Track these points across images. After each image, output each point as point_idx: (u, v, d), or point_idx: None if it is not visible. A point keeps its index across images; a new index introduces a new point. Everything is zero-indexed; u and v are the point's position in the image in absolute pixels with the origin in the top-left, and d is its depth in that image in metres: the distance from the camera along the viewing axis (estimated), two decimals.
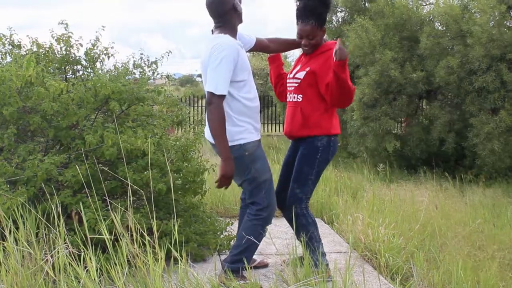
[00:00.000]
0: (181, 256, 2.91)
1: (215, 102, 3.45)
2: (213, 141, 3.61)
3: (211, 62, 3.47)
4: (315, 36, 3.87)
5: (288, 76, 4.12)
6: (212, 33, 3.69)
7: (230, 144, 3.54)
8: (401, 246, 4.60)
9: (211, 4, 3.62)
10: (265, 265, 4.32)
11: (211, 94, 3.45)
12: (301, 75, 3.93)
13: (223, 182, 3.55)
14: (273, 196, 3.79)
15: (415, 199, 6.80)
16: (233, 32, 3.65)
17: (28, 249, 2.94)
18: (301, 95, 3.94)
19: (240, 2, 3.68)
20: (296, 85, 3.97)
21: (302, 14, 3.84)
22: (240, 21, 3.70)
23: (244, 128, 3.61)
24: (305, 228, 3.99)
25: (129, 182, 3.55)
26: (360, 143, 13.17)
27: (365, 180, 8.84)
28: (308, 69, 3.90)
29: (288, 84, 4.09)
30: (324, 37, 4.04)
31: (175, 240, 2.80)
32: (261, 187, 3.71)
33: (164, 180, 4.20)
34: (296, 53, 24.91)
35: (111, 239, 2.89)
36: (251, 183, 3.73)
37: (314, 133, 3.92)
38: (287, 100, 4.11)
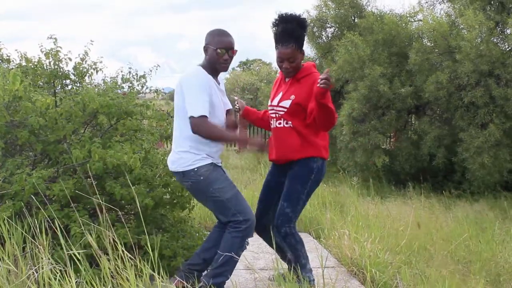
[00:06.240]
0: (167, 271, 2.90)
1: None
2: (175, 170, 3.75)
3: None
4: (296, 59, 3.88)
5: (270, 104, 4.11)
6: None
7: (185, 169, 3.66)
8: (387, 261, 4.62)
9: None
10: None
11: (192, 118, 3.57)
12: (287, 103, 3.93)
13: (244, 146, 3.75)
14: (247, 210, 3.73)
15: (402, 215, 6.83)
16: (206, 68, 3.73)
17: (10, 266, 2.93)
18: (290, 122, 3.93)
19: (223, 54, 3.69)
20: (283, 113, 3.96)
21: (282, 37, 3.86)
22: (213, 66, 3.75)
23: (194, 154, 3.66)
24: (293, 248, 4.00)
25: (99, 203, 3.55)
26: (350, 158, 13.22)
27: (353, 195, 8.86)
28: (292, 97, 3.90)
29: (271, 112, 4.07)
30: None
31: (160, 255, 2.79)
32: (227, 206, 3.68)
33: (151, 194, 4.21)
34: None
35: (95, 255, 2.89)
36: (215, 203, 3.74)
37: (311, 155, 3.93)
38: (272, 126, 4.08)
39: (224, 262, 3.66)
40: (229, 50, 3.69)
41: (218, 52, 3.65)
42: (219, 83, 3.82)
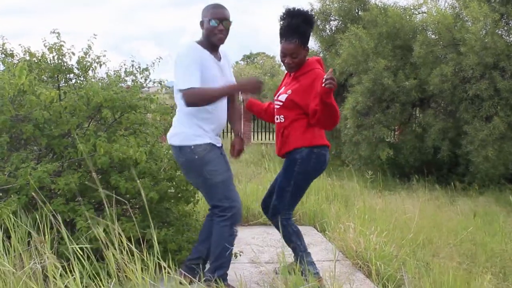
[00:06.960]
0: (173, 264, 2.90)
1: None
2: (173, 144, 3.71)
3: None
4: (299, 55, 3.87)
5: (274, 98, 4.13)
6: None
7: (182, 144, 3.64)
8: (392, 254, 4.61)
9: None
10: None
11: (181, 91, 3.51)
12: (283, 97, 3.95)
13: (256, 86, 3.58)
14: (234, 197, 3.72)
15: (407, 208, 6.81)
16: (203, 44, 3.70)
17: (8, 267, 2.92)
18: (283, 116, 3.96)
19: (216, 23, 3.62)
20: (278, 107, 4.00)
21: (286, 32, 3.85)
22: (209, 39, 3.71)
23: (193, 131, 3.64)
24: (288, 239, 4.04)
25: (106, 196, 3.54)
26: (354, 151, 13.19)
27: (358, 188, 8.85)
28: (289, 92, 3.91)
29: (275, 104, 4.11)
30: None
31: (165, 249, 2.79)
32: (216, 189, 3.68)
33: (156, 188, 4.21)
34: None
35: (99, 248, 2.89)
36: (204, 185, 3.74)
37: (294, 146, 3.92)
38: (275, 121, 4.12)
39: (220, 253, 3.69)
40: (223, 20, 3.64)
41: (212, 23, 3.61)
42: (220, 58, 3.78)
